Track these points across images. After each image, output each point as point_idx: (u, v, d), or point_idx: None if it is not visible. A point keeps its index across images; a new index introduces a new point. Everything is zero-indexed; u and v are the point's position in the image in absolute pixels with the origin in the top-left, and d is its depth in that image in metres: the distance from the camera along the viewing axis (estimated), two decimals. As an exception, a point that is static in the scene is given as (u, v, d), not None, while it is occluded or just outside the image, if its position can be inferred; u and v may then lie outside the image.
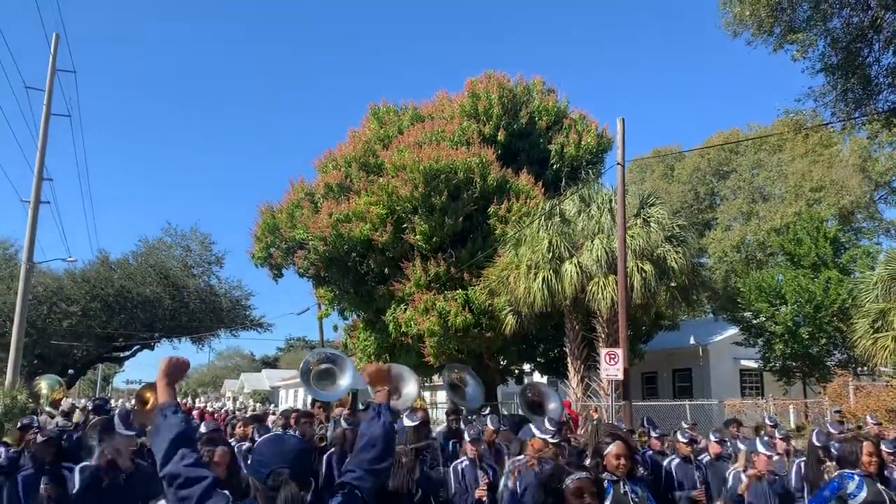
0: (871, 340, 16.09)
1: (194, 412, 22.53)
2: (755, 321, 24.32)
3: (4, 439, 8.37)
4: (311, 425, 8.12)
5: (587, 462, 4.45)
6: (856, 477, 5.19)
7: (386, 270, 22.72)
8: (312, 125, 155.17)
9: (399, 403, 7.78)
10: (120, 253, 43.34)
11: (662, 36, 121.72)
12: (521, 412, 9.00)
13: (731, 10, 12.51)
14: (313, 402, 9.19)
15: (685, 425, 9.20)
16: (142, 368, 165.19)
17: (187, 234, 42.54)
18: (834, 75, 12.90)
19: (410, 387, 7.90)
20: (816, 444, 7.00)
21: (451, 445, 7.77)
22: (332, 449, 7.05)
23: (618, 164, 17.14)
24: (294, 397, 53.50)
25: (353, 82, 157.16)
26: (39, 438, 6.23)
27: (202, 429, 6.62)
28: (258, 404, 38.36)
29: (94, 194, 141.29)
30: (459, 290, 20.93)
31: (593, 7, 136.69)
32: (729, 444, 8.54)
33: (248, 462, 2.63)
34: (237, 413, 21.70)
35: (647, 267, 17.60)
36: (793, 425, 19.77)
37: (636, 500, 4.23)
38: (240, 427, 9.30)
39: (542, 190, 21.74)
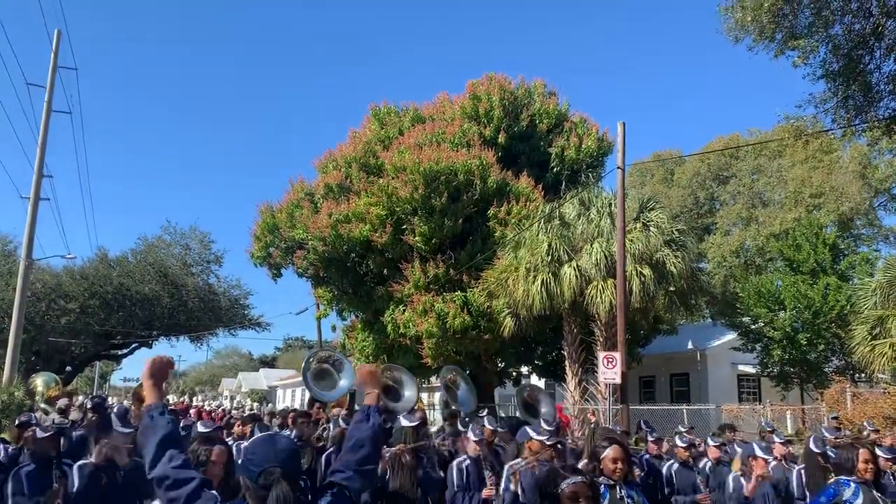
0: (869, 347, 16.09)
1: (191, 411, 22.51)
2: (753, 326, 24.33)
3: (1, 436, 8.37)
4: (309, 425, 8.14)
5: (581, 465, 4.46)
6: (852, 484, 5.18)
7: (385, 271, 22.73)
8: (313, 125, 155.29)
9: (399, 406, 7.80)
10: (119, 251, 43.42)
11: (664, 40, 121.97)
12: (517, 413, 9.01)
13: (732, 15, 12.53)
14: (311, 401, 9.20)
15: (682, 429, 9.20)
16: (139, 366, 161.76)
17: (186, 232, 42.62)
18: (835, 82, 12.92)
19: (410, 390, 7.92)
20: (814, 450, 7.00)
21: (451, 445, 7.79)
22: (331, 448, 7.07)
23: (618, 167, 17.15)
24: (291, 397, 53.53)
25: (354, 83, 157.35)
26: (40, 433, 6.24)
27: (199, 428, 6.63)
28: (255, 403, 38.34)
29: (93, 192, 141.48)
30: (458, 292, 20.94)
31: (595, 10, 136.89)
32: (727, 448, 8.54)
33: (240, 461, 2.66)
34: (234, 412, 21.70)
35: (646, 271, 17.60)
36: (790, 431, 19.77)
37: (632, 504, 4.23)
38: (238, 426, 9.32)
39: (542, 193, 21.75)
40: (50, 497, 5.52)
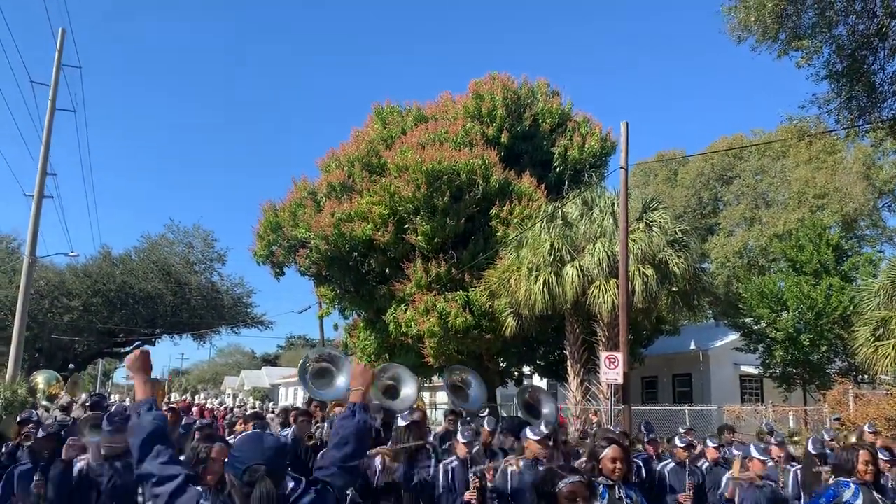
0: (872, 348, 16.06)
1: (194, 409, 22.54)
2: (756, 327, 24.28)
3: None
4: (310, 424, 8.14)
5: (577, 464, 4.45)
6: (852, 485, 5.18)
7: (387, 270, 22.73)
8: (316, 124, 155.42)
9: (398, 404, 7.80)
10: (122, 248, 43.64)
11: (667, 40, 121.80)
12: (519, 414, 9.00)
13: (735, 15, 12.50)
14: (309, 400, 9.19)
15: (682, 430, 9.19)
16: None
17: (190, 230, 42.75)
18: (838, 82, 12.88)
19: (409, 388, 7.90)
20: (812, 451, 6.99)
21: (448, 445, 7.77)
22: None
23: (621, 167, 17.12)
24: (294, 395, 53.57)
25: (358, 82, 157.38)
26: (41, 433, 6.24)
27: (191, 422, 6.63)
28: (258, 402, 38.38)
29: (97, 190, 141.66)
30: (460, 292, 20.93)
31: (599, 10, 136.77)
32: (725, 449, 8.53)
33: (227, 459, 2.67)
34: (235, 410, 21.72)
35: (649, 271, 17.57)
36: (791, 432, 19.71)
37: (630, 504, 4.23)
38: (240, 424, 9.32)
39: (545, 192, 21.72)
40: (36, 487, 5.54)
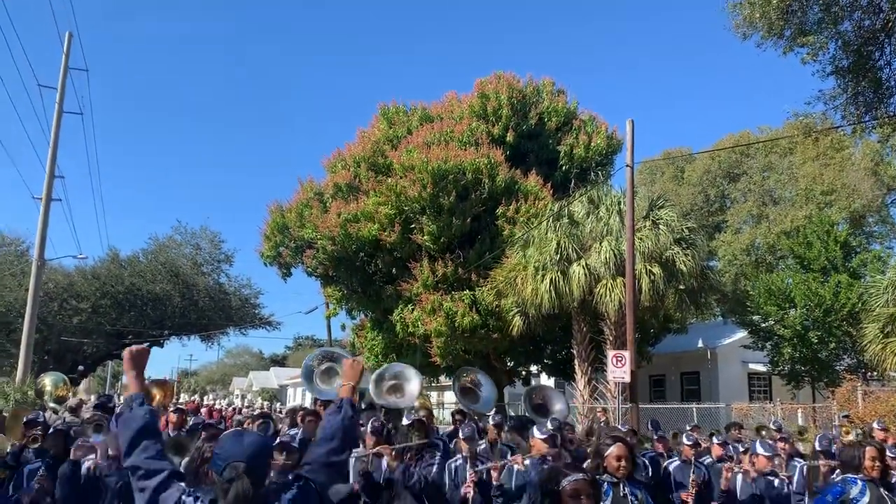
0: (881, 345, 15.99)
1: (202, 409, 22.63)
2: (764, 325, 24.20)
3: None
4: (318, 424, 8.17)
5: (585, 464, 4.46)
6: (858, 482, 5.16)
7: (394, 270, 22.76)
8: (321, 124, 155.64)
9: (402, 401, 7.82)
10: (130, 250, 43.73)
11: (673, 38, 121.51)
12: (527, 413, 9.01)
13: (740, 12, 12.46)
14: (314, 400, 9.20)
15: (688, 428, 9.18)
16: (151, 365, 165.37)
17: (197, 232, 42.89)
18: (844, 78, 12.83)
19: (413, 385, 7.92)
20: (818, 448, 6.98)
21: (454, 444, 7.79)
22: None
23: (627, 165, 17.08)
24: (302, 396, 53.64)
25: (362, 82, 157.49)
26: (50, 431, 6.28)
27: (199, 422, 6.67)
28: (266, 402, 38.50)
29: (105, 192, 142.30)
30: (467, 291, 20.94)
31: (604, 9, 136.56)
32: (731, 447, 8.51)
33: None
34: (244, 411, 21.79)
35: (656, 269, 17.55)
36: (799, 429, 19.64)
37: (635, 502, 4.23)
38: (248, 424, 9.35)
39: (551, 191, 21.72)
40: (37, 491, 5.59)
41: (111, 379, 76.27)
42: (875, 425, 9.73)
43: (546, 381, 27.27)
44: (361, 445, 6.33)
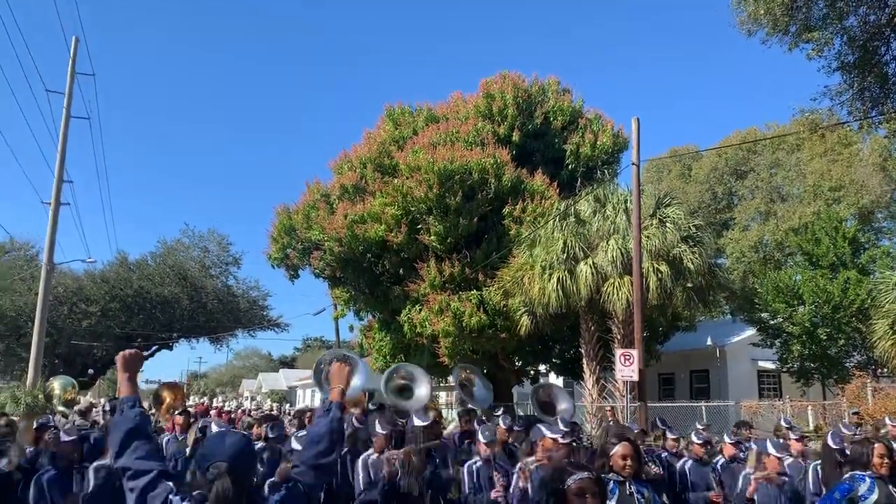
0: (891, 342, 15.94)
1: (212, 412, 22.70)
2: (773, 322, 24.13)
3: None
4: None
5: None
6: (867, 479, 5.15)
7: (401, 271, 22.78)
8: (327, 125, 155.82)
9: (411, 404, 7.84)
10: (139, 254, 43.92)
11: (678, 36, 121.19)
12: (533, 411, 9.04)
13: (745, 8, 12.43)
14: (323, 401, 9.22)
15: (699, 426, 9.14)
16: (161, 368, 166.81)
17: (205, 235, 43.08)
18: (850, 74, 12.77)
19: (422, 388, 7.95)
20: (832, 445, 6.92)
21: (466, 445, 7.80)
22: (345, 449, 7.11)
23: (633, 164, 17.07)
24: (311, 397, 53.76)
25: (368, 83, 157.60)
26: (64, 437, 6.30)
27: (213, 428, 6.70)
28: (275, 404, 38.58)
29: (112, 197, 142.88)
30: (474, 291, 20.94)
31: (609, 7, 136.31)
32: (742, 446, 8.48)
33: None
34: (253, 412, 21.85)
35: (663, 267, 17.50)
36: (811, 427, 19.59)
37: (642, 500, 4.23)
38: (256, 427, 9.40)
39: (557, 190, 21.69)
40: (69, 502, 5.60)
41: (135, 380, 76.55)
42: (888, 421, 9.68)
43: (554, 380, 27.23)
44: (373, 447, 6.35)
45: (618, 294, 17.33)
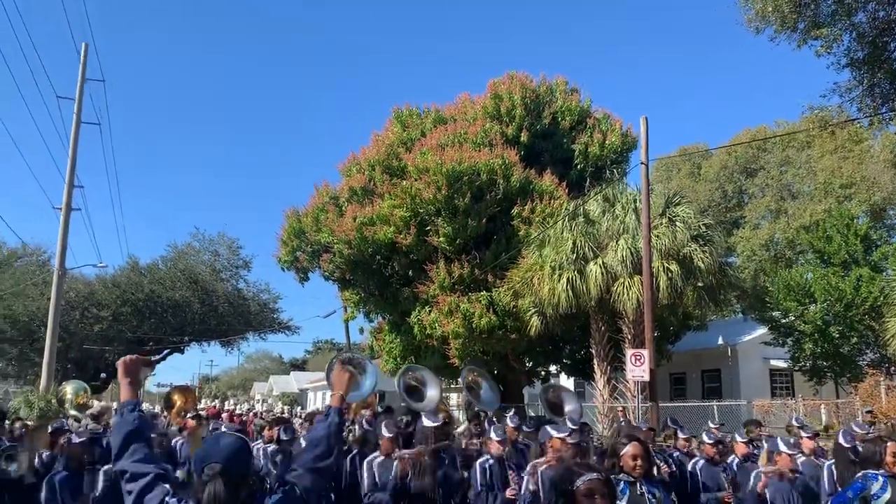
0: (904, 339, 15.82)
1: (223, 415, 22.78)
2: (784, 320, 24.00)
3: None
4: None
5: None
6: (880, 478, 5.12)
7: (410, 273, 22.80)
8: (335, 125, 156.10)
9: (423, 405, 7.86)
10: (149, 258, 44.14)
11: (686, 34, 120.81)
12: (543, 412, 9.04)
13: (752, 6, 12.39)
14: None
15: (712, 426, 9.10)
16: (173, 372, 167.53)
17: (215, 238, 43.23)
18: (860, 70, 12.71)
19: (433, 390, 7.97)
20: (844, 444, 6.89)
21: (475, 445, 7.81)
22: (355, 451, 7.14)
23: (641, 163, 17.04)
24: (322, 399, 53.85)
25: (371, 84, 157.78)
26: (76, 439, 6.36)
27: (223, 430, 6.72)
28: (286, 407, 38.67)
29: (123, 201, 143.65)
30: (483, 292, 20.93)
31: (616, 6, 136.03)
32: (754, 444, 8.44)
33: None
34: (264, 415, 21.92)
35: (674, 267, 17.45)
36: (824, 425, 19.46)
37: (653, 501, 4.23)
38: (267, 429, 9.44)
39: (566, 190, 21.66)
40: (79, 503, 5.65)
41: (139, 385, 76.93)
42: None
43: (565, 381, 27.18)
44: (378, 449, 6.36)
45: (628, 294, 17.29)
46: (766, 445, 7.77)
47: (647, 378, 15.94)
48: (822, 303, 22.33)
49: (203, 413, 11.70)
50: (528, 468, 5.91)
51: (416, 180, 21.32)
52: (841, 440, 7.03)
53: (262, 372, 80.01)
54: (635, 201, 18.69)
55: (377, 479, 6.47)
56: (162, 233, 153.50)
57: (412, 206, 21.30)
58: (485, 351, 21.16)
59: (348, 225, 21.98)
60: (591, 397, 20.89)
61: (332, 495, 6.83)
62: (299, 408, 43.81)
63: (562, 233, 18.90)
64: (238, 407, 34.17)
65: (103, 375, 41.10)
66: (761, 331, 25.95)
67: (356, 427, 8.48)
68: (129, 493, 2.61)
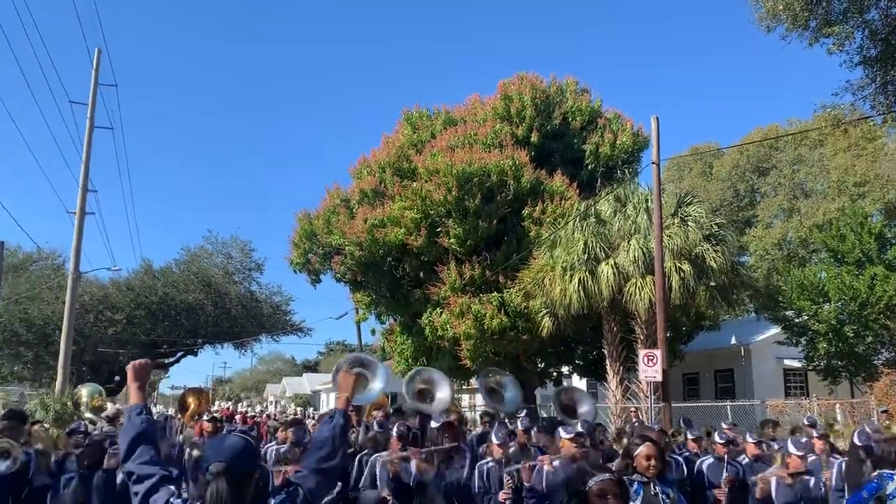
0: (920, 338, 15.67)
1: (237, 417, 22.89)
2: (798, 320, 23.83)
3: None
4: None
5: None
6: (895, 477, 5.09)
7: (421, 274, 22.83)
8: (345, 125, 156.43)
9: (433, 407, 7.86)
10: (163, 261, 44.38)
11: (697, 33, 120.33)
12: (556, 414, 9.02)
13: (763, 4, 12.33)
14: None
15: (724, 426, 9.07)
16: (186, 374, 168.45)
17: (228, 241, 43.39)
18: (873, 68, 12.63)
19: (443, 391, 7.97)
20: (857, 443, 6.85)
21: (482, 448, 7.81)
22: (363, 452, 7.16)
23: (653, 163, 16.99)
24: (335, 401, 53.92)
25: (384, 85, 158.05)
26: (86, 442, 6.42)
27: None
28: (299, 408, 38.79)
29: (136, 205, 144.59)
30: (495, 293, 20.92)
31: (626, 6, 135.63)
32: (765, 445, 8.40)
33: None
34: (277, 416, 22.01)
35: (686, 266, 17.38)
36: (840, 425, 19.31)
37: (667, 501, 4.23)
38: (281, 431, 9.48)
39: (577, 191, 21.63)
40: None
41: (147, 388, 77.35)
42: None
43: (577, 381, 27.10)
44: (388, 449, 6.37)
45: (640, 294, 17.23)
46: (777, 446, 7.73)
47: (659, 378, 15.89)
48: (836, 302, 22.16)
49: (218, 416, 11.74)
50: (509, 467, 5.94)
51: (426, 182, 21.34)
52: (855, 439, 7.00)
53: (275, 374, 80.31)
54: (647, 201, 18.63)
55: (377, 478, 6.46)
56: (175, 236, 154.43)
57: (423, 207, 21.32)
58: (496, 352, 21.15)
59: (359, 227, 22.03)
60: (603, 398, 20.82)
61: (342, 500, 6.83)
62: (312, 409, 43.93)
63: (573, 233, 18.87)
64: (251, 409, 34.32)
65: (117, 378, 41.33)
66: (774, 330, 25.76)
67: (361, 429, 8.50)
68: (136, 494, 2.67)
